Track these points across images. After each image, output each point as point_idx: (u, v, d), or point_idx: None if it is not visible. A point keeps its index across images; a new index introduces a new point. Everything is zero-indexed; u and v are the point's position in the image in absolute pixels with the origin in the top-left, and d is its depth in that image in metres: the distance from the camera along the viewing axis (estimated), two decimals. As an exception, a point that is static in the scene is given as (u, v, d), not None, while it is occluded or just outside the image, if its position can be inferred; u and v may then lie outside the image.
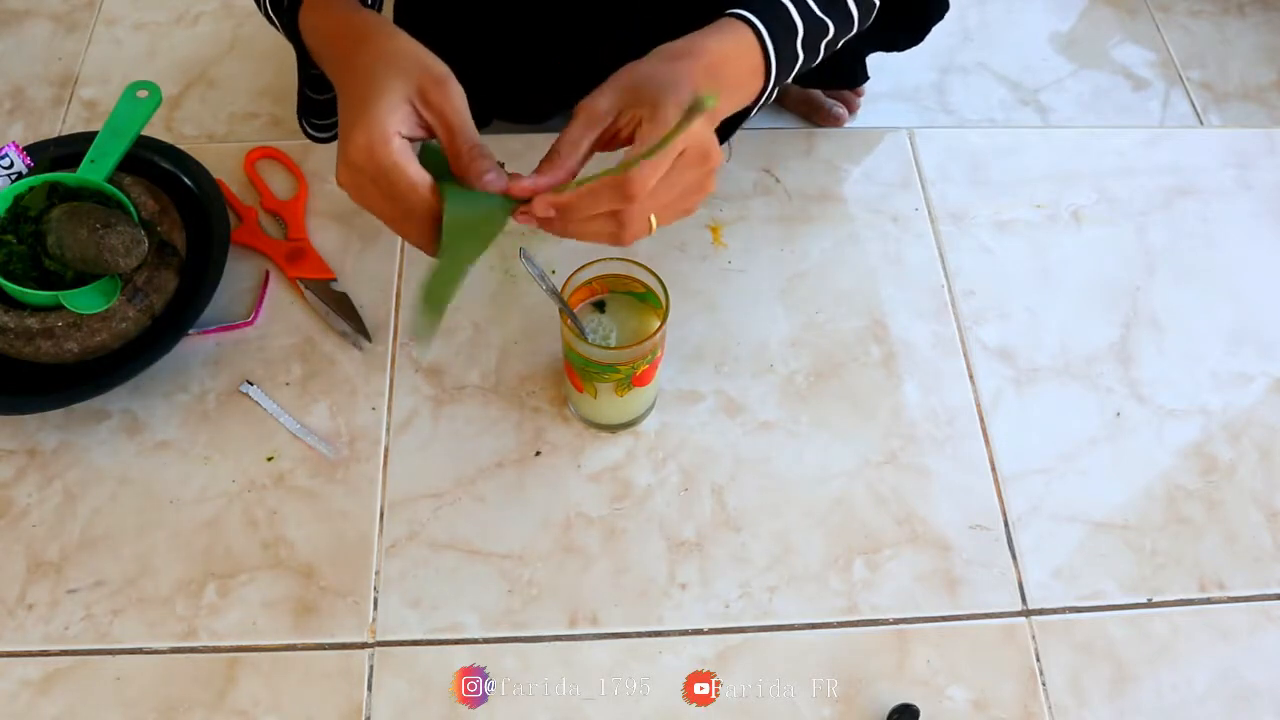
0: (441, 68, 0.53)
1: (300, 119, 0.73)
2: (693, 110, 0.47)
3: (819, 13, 0.60)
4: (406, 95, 0.51)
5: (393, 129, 0.50)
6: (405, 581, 0.66)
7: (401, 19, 0.85)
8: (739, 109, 0.59)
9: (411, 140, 0.52)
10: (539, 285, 0.61)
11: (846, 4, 0.62)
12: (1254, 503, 0.71)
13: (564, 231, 0.53)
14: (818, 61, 0.64)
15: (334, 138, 0.63)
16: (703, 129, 0.52)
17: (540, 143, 0.83)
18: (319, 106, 0.72)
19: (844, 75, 0.87)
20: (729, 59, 0.56)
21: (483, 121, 0.89)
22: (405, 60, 0.53)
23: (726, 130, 0.73)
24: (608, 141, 0.54)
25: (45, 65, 0.93)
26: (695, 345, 0.75)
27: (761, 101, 0.63)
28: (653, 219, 0.53)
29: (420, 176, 0.50)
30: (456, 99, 0.52)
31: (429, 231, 0.51)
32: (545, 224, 0.52)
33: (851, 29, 0.65)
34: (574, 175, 0.52)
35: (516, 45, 0.78)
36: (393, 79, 0.52)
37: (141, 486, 0.69)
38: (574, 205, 0.51)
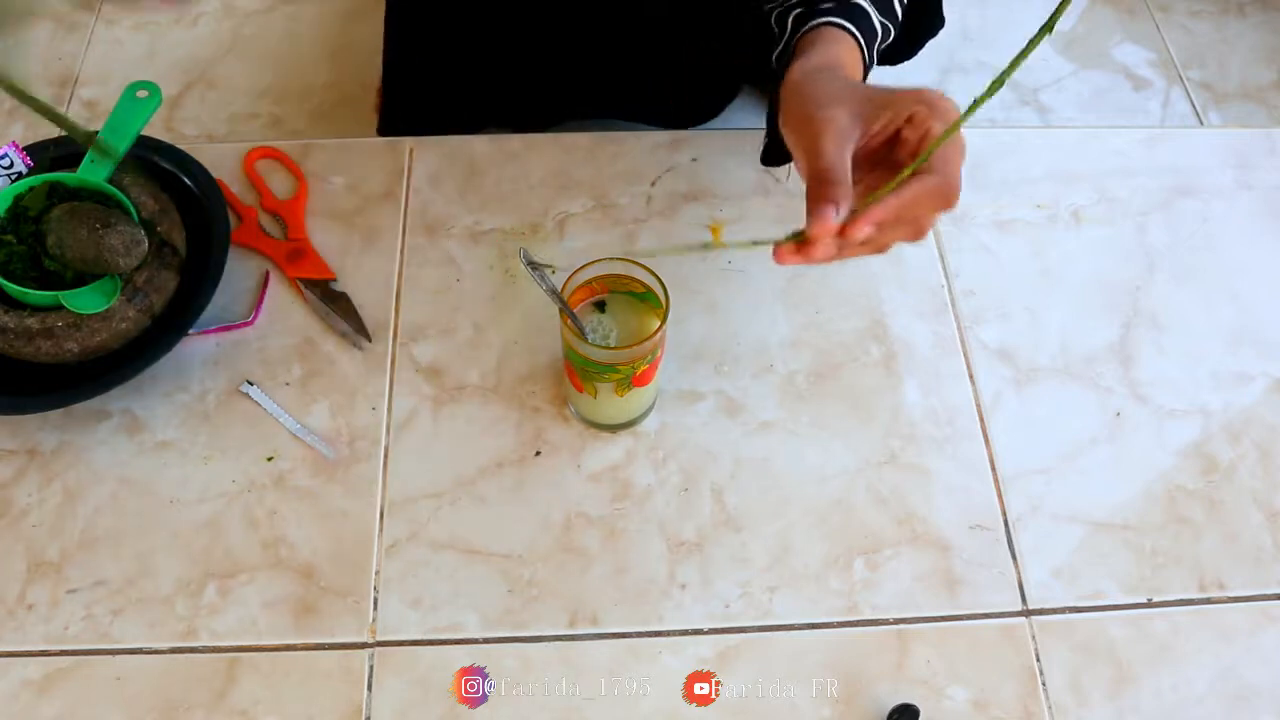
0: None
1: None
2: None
3: (882, 19, 0.61)
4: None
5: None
6: (405, 581, 0.66)
7: (394, 18, 0.85)
8: None
9: None
10: (539, 285, 0.61)
11: (895, 10, 0.63)
12: (1254, 503, 0.71)
13: (863, 249, 0.52)
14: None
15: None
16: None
17: (541, 143, 0.84)
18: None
19: None
20: (852, 67, 0.58)
21: (478, 126, 0.89)
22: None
23: (784, 154, 0.73)
24: (864, 154, 0.54)
25: (45, 65, 0.93)
26: (695, 345, 0.75)
27: None
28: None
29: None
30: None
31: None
32: (848, 252, 0.52)
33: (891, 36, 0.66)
34: (853, 194, 0.51)
35: (514, 49, 0.78)
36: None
37: (141, 486, 0.69)
38: (893, 219, 0.50)
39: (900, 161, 0.52)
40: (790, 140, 0.56)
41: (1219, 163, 0.88)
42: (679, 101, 0.89)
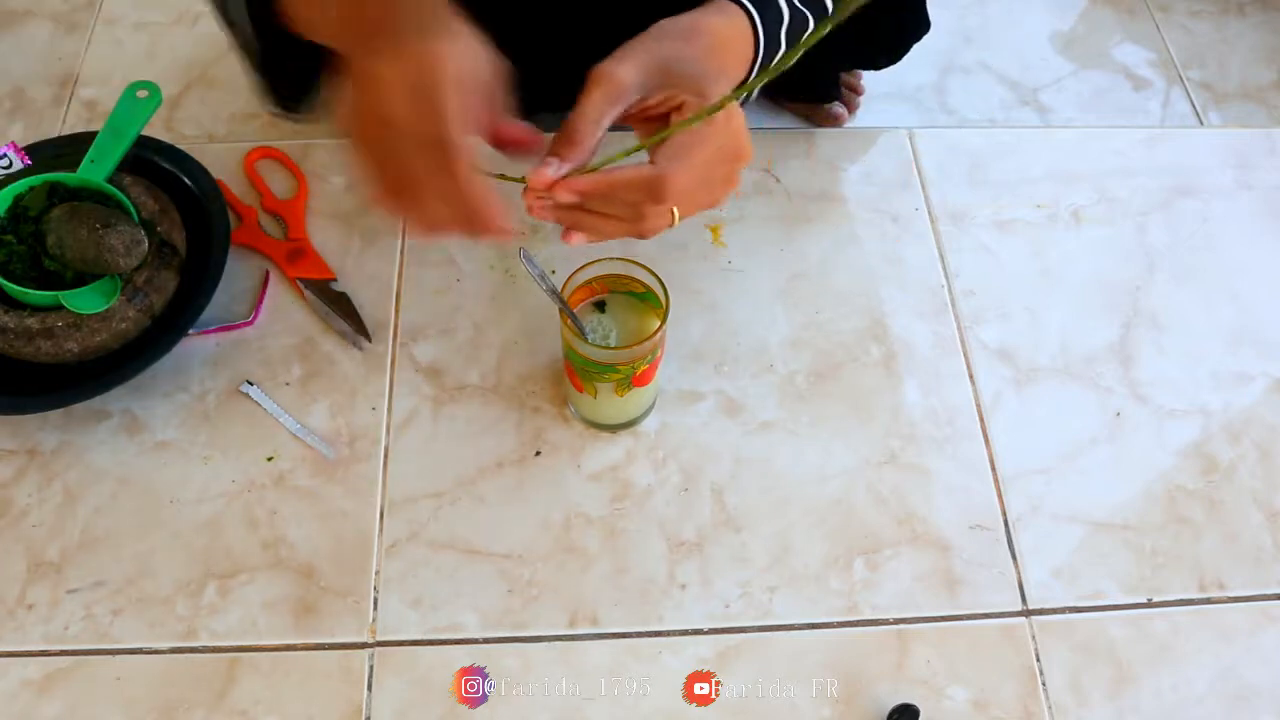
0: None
1: (278, 101, 0.71)
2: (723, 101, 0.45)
3: (800, 5, 0.58)
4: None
5: (452, 57, 0.46)
6: (405, 581, 0.66)
7: None
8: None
9: None
10: (539, 285, 0.61)
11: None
12: (1254, 503, 0.71)
13: (576, 223, 0.50)
14: (785, 59, 0.64)
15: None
16: (739, 123, 0.50)
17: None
18: (294, 81, 0.69)
19: (818, 90, 0.87)
20: (729, 41, 0.54)
21: None
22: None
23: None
24: (634, 118, 0.51)
25: (45, 65, 0.93)
26: (695, 345, 0.75)
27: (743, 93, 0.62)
28: (675, 211, 0.51)
29: (461, 111, 0.45)
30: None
31: (435, 188, 0.47)
32: (557, 214, 0.50)
33: (824, 25, 0.64)
34: (593, 156, 0.49)
35: (502, 45, 0.78)
36: (452, 19, 0.48)
37: (141, 486, 0.69)
38: (598, 195, 0.48)
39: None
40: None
41: (1219, 163, 0.88)
42: None
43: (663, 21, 0.53)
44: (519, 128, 0.49)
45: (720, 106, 0.46)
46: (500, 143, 0.50)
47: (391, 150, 0.47)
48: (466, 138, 0.45)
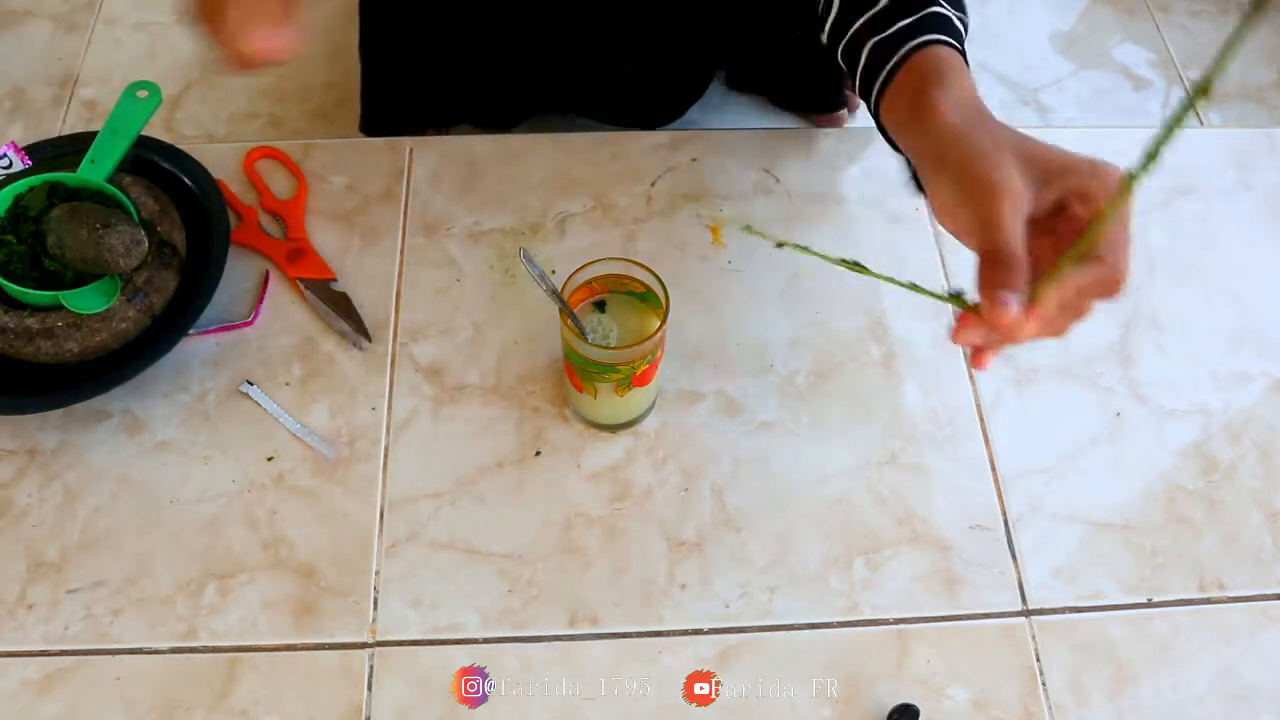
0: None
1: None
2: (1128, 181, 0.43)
3: (959, 14, 0.57)
4: None
5: None
6: (405, 581, 0.66)
7: (369, 18, 0.84)
8: None
9: None
10: (539, 285, 0.61)
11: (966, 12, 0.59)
12: (1254, 503, 0.71)
13: (1023, 338, 0.48)
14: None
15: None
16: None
17: (540, 143, 0.84)
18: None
19: (824, 102, 0.87)
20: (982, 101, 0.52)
21: (450, 122, 0.89)
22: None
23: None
24: (1040, 220, 0.48)
25: (45, 65, 0.93)
26: (695, 345, 0.75)
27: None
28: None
29: None
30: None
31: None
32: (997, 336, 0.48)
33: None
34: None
35: (488, 46, 0.77)
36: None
37: (141, 486, 0.69)
38: (1062, 310, 0.46)
39: (1062, 235, 0.47)
40: (950, 195, 0.49)
41: (1219, 163, 0.88)
42: (645, 100, 0.88)
43: (941, 124, 0.50)
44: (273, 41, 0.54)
45: (1132, 183, 0.43)
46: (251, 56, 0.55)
47: None
48: None
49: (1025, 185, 0.47)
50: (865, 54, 0.58)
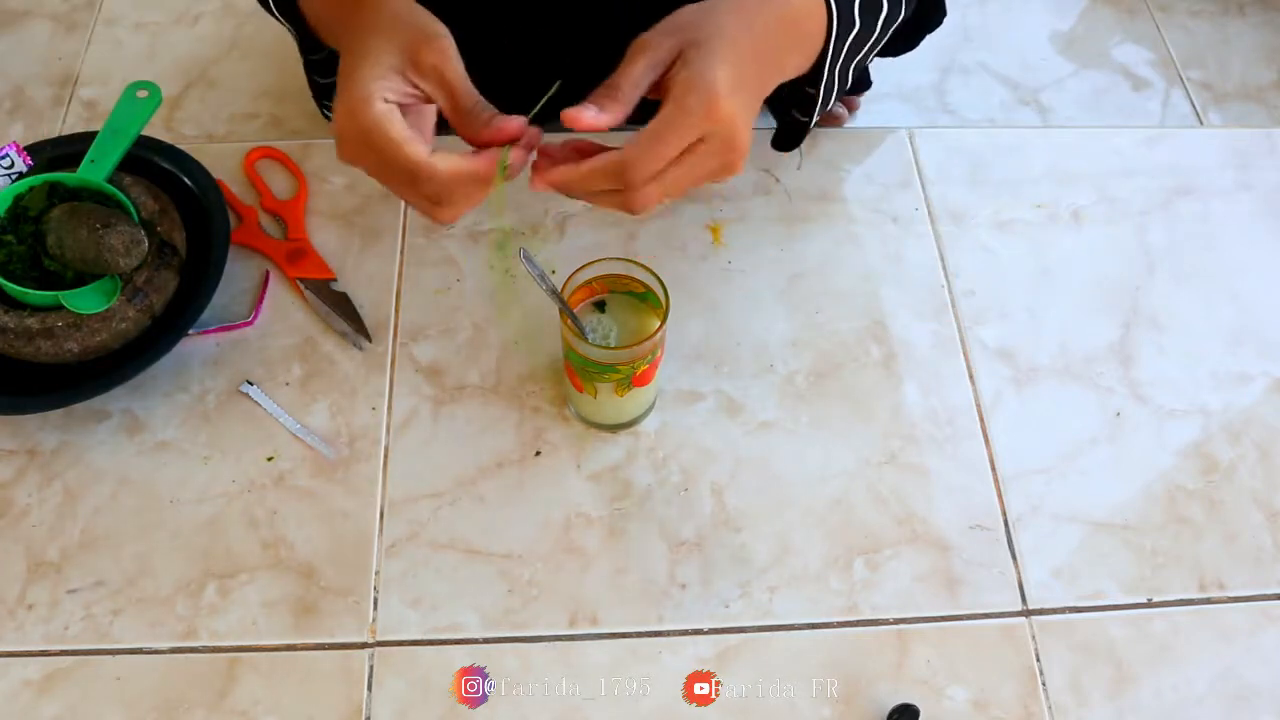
0: (437, 27, 0.51)
1: (319, 105, 0.72)
2: None
3: None
4: (394, 62, 0.49)
5: (375, 93, 0.49)
6: (405, 581, 0.66)
7: None
8: (781, 80, 0.57)
9: (404, 107, 0.51)
10: (539, 285, 0.61)
11: None
12: (1254, 503, 0.71)
13: (574, 196, 0.52)
14: (865, 56, 0.63)
15: None
16: (732, 112, 0.49)
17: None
18: (328, 89, 0.71)
19: (855, 81, 0.87)
20: (775, 6, 0.54)
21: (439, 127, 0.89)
22: (397, 24, 0.51)
23: (792, 138, 0.71)
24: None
25: (45, 65, 0.93)
26: (695, 345, 0.75)
27: (821, 97, 0.61)
28: (656, 191, 0.51)
29: (403, 134, 0.49)
30: (453, 58, 0.50)
31: (428, 194, 0.50)
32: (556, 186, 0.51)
33: (899, 15, 0.63)
34: (626, 117, 0.50)
35: (487, 47, 0.77)
36: (381, 43, 0.50)
37: (141, 486, 0.69)
38: (574, 185, 0.50)
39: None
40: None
41: (1219, 163, 0.88)
42: (645, 101, 0.88)
43: None
44: (507, 127, 0.51)
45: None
46: (487, 144, 0.51)
47: (377, 176, 0.52)
48: (424, 147, 0.49)
49: (669, 53, 0.50)
50: None
